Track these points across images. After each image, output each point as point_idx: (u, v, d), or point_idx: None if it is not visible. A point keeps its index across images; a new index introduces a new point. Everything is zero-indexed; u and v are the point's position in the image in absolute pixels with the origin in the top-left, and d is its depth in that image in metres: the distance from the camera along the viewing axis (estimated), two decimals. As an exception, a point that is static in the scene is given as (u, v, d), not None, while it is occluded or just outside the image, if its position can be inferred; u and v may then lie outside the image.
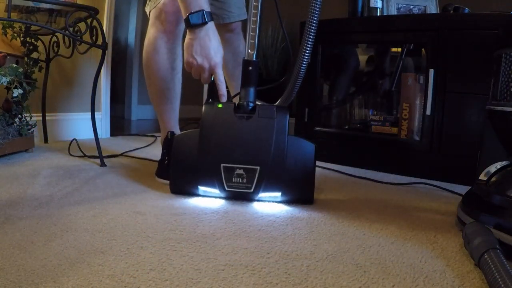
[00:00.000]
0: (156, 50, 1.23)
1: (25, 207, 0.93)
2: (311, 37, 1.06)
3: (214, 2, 1.36)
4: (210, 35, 1.03)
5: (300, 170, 1.03)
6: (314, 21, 1.05)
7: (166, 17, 1.19)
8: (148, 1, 1.26)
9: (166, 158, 1.26)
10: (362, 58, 1.93)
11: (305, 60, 1.08)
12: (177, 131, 1.33)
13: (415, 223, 0.95)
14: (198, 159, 1.04)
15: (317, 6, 1.04)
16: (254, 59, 1.08)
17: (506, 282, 0.58)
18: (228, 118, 1.05)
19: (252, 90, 1.07)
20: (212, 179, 1.03)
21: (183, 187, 1.09)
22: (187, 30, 1.05)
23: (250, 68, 1.07)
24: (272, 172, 1.01)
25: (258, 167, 1.01)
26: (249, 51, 1.07)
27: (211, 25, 1.04)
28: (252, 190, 1.02)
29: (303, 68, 1.09)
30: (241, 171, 1.01)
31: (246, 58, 1.08)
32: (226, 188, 1.03)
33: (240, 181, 1.02)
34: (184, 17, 1.04)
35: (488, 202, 0.85)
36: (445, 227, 0.93)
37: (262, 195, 1.04)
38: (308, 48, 1.07)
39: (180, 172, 1.08)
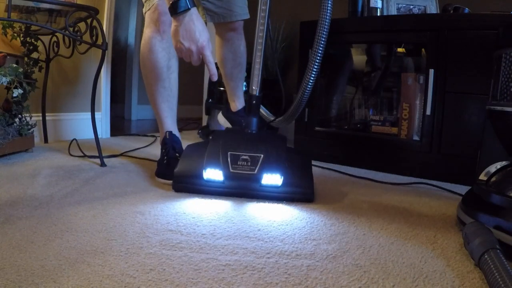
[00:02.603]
0: (151, 49, 1.24)
1: (25, 207, 0.93)
2: (318, 59, 1.14)
3: (216, 2, 1.37)
4: (194, 19, 1.04)
5: (299, 164, 1.15)
6: (322, 40, 1.13)
7: (160, 17, 1.20)
8: (144, 3, 1.27)
9: (165, 158, 1.26)
10: (362, 58, 1.93)
11: (311, 81, 1.17)
12: (175, 131, 1.34)
13: (415, 223, 0.95)
14: (207, 150, 1.13)
15: (325, 30, 1.12)
16: (257, 94, 1.20)
17: (506, 282, 0.58)
18: (235, 132, 1.25)
19: (255, 120, 1.22)
20: (218, 161, 1.10)
21: (187, 175, 1.12)
22: (172, 18, 1.05)
23: (254, 102, 1.21)
24: (274, 157, 1.10)
25: (262, 155, 1.10)
26: (254, 87, 1.20)
27: (194, 11, 1.04)
28: (255, 172, 1.08)
29: (308, 87, 1.18)
30: (246, 157, 1.10)
31: (250, 93, 1.21)
32: (231, 170, 1.08)
33: (245, 164, 1.10)
34: (168, 5, 1.04)
35: (488, 202, 0.85)
36: (445, 227, 0.93)
37: (265, 176, 1.07)
38: (314, 70, 1.16)
39: (186, 164, 1.14)
